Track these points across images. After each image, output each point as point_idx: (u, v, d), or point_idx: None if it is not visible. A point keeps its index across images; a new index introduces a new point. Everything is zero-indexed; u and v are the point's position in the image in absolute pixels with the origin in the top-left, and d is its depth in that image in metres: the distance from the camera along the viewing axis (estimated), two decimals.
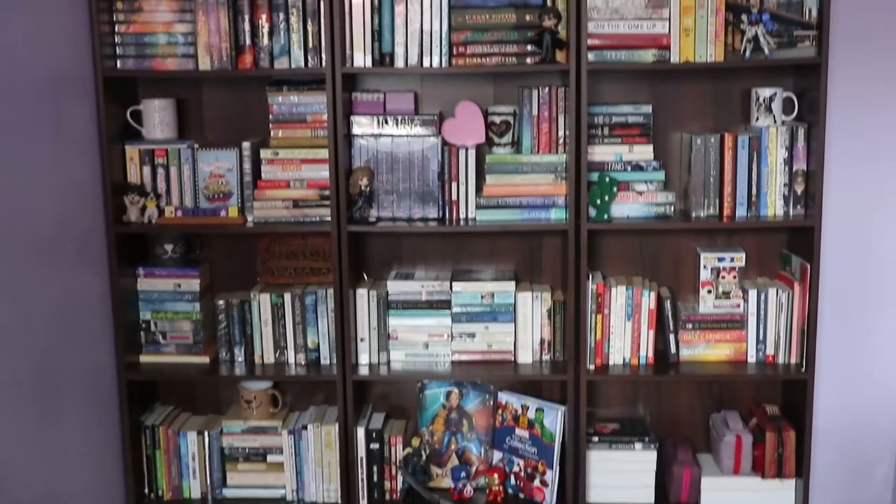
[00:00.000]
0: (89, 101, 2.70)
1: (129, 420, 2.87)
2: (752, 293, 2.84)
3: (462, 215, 2.85)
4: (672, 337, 2.88)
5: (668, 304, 2.87)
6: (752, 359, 2.87)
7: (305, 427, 2.94)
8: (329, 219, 2.78)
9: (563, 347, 2.90)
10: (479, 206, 2.83)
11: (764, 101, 2.77)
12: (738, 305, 2.86)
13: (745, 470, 2.89)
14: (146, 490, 2.98)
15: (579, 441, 2.85)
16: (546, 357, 2.93)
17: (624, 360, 2.87)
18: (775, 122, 2.77)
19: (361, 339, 2.89)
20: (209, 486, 2.99)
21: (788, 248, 2.93)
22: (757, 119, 2.79)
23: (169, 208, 2.84)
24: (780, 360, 2.85)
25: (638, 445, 2.91)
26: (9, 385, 2.25)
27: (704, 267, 2.86)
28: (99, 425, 2.76)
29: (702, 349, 2.88)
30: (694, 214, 2.80)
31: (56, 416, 2.48)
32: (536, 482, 2.93)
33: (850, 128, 2.89)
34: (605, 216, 2.77)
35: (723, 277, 2.86)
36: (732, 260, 2.85)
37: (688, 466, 2.91)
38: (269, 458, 2.98)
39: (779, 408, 2.97)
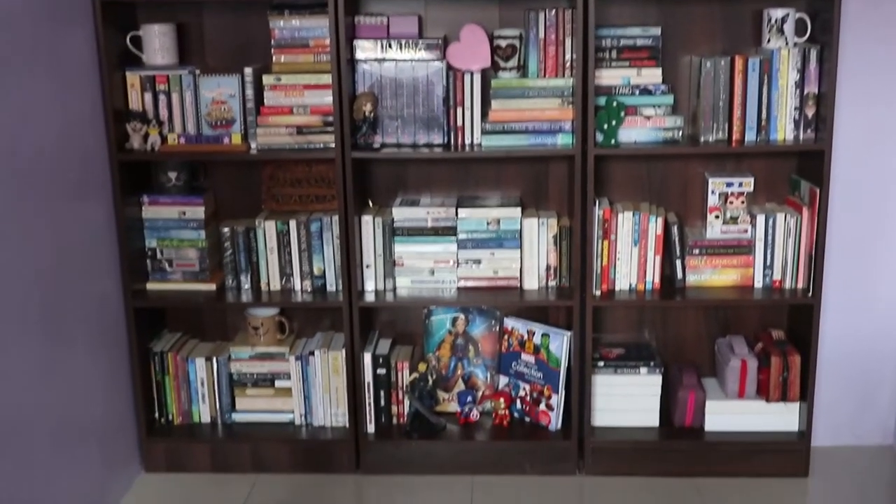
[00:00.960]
0: (88, 27, 2.66)
1: (138, 347, 2.90)
2: (760, 218, 2.82)
3: (467, 141, 2.82)
4: (679, 263, 2.87)
5: (674, 230, 2.85)
6: (758, 284, 2.86)
7: (312, 353, 2.96)
8: (333, 145, 2.75)
9: (569, 273, 2.90)
10: (484, 132, 2.79)
11: (776, 21, 2.70)
12: (746, 231, 2.84)
13: (750, 394, 2.91)
14: (157, 415, 3.02)
15: (585, 366, 2.86)
16: (552, 283, 2.93)
17: (630, 285, 2.86)
18: (787, 43, 2.71)
19: (367, 266, 2.89)
20: (218, 411, 3.03)
21: (798, 173, 2.90)
22: (768, 41, 2.73)
23: (171, 136, 2.82)
24: (787, 285, 2.84)
25: (643, 370, 2.93)
26: (16, 316, 2.27)
27: (712, 192, 2.83)
28: (108, 353, 2.78)
29: (708, 275, 2.87)
30: (702, 139, 2.76)
31: (65, 345, 2.50)
32: (542, 406, 2.96)
33: (863, 50, 2.83)
34: (613, 141, 2.74)
35: (731, 203, 2.83)
36: (741, 185, 2.82)
37: (692, 390, 2.93)
38: (277, 383, 3.02)
39: (784, 333, 2.98)
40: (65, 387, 2.50)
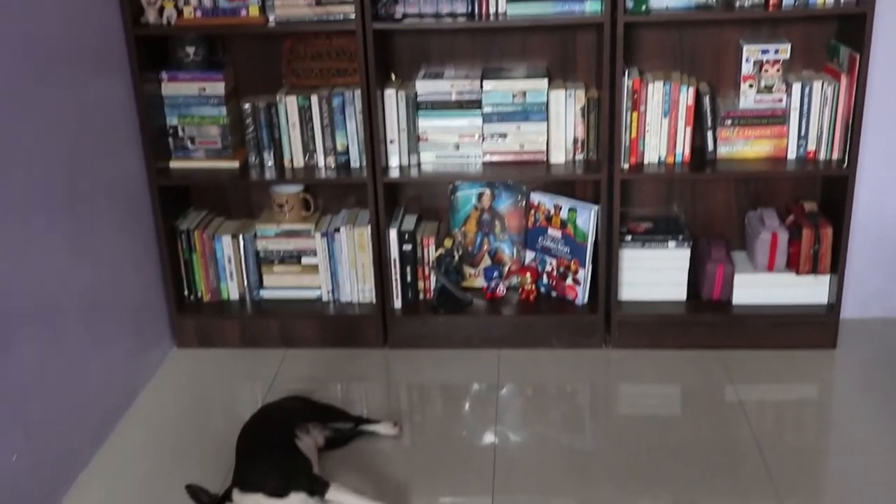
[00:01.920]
0: None
1: (164, 225, 2.90)
2: (796, 87, 2.72)
3: (492, 10, 2.72)
4: (710, 134, 2.80)
5: (706, 100, 2.77)
6: (791, 155, 2.79)
7: (338, 229, 2.96)
8: (353, 16, 2.66)
9: (596, 146, 2.84)
10: (509, 0, 2.69)
11: None
12: (781, 100, 2.75)
13: (780, 267, 2.88)
14: (186, 292, 3.05)
15: (612, 240, 2.84)
16: (579, 156, 2.87)
17: (659, 158, 2.80)
18: None
19: (391, 141, 2.85)
20: (247, 288, 3.05)
21: (837, 39, 2.78)
22: None
23: (188, 9, 2.74)
24: (822, 155, 2.77)
25: (671, 244, 2.90)
26: (42, 196, 2.26)
27: (747, 60, 2.73)
28: (134, 232, 2.79)
29: (740, 146, 2.80)
30: (737, 4, 2.64)
31: (91, 225, 2.50)
32: (569, 281, 2.95)
33: None
34: (643, 7, 2.63)
35: (766, 71, 2.73)
36: (777, 52, 2.72)
37: (721, 263, 2.90)
38: (304, 260, 3.02)
39: (817, 205, 2.92)
40: (93, 266, 2.51)
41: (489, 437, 2.53)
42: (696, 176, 2.87)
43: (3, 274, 2.08)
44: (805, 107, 2.73)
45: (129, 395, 2.70)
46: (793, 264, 2.87)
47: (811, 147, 2.77)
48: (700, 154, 2.82)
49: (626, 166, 2.78)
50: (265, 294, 3.06)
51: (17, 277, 2.14)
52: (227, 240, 3.00)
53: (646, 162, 2.81)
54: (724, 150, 2.80)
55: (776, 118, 2.77)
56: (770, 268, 2.88)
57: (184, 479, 2.10)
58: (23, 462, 2.12)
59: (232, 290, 3.06)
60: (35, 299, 2.21)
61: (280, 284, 3.05)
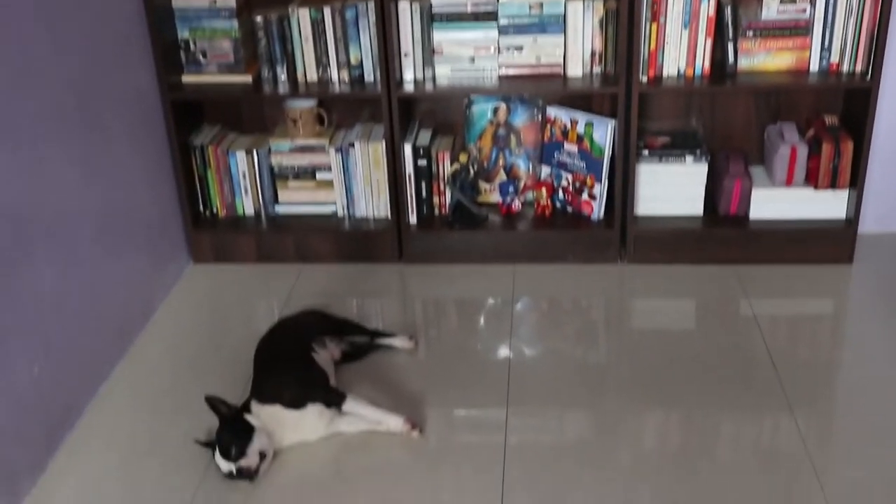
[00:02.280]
0: None
1: (178, 141, 2.88)
2: None
3: None
4: (731, 46, 2.74)
5: (728, 11, 2.70)
6: (814, 67, 2.73)
7: (352, 144, 2.93)
8: None
9: (614, 59, 2.79)
10: None
11: None
12: (805, 10, 2.68)
13: (798, 181, 2.85)
14: (201, 208, 3.05)
15: (629, 154, 2.81)
16: (597, 69, 2.82)
17: (679, 70, 2.75)
18: None
19: (405, 55, 2.80)
20: (262, 204, 3.05)
21: None
22: None
23: None
24: (845, 68, 2.71)
25: (689, 158, 2.87)
26: (53, 115, 2.24)
27: None
28: (148, 148, 2.78)
29: (762, 58, 2.74)
30: None
31: (104, 141, 2.49)
32: (584, 196, 2.93)
33: None
34: None
35: None
36: None
37: (739, 178, 2.87)
38: (318, 175, 3.01)
39: (838, 118, 2.87)
40: (108, 183, 2.51)
41: (504, 351, 2.55)
42: (715, 89, 2.82)
43: (19, 190, 2.08)
44: (829, 17, 2.66)
45: (146, 311, 2.73)
46: (811, 179, 2.84)
47: (834, 59, 2.71)
48: (720, 66, 2.77)
49: (645, 79, 2.74)
50: (280, 210, 3.06)
51: (32, 193, 2.14)
52: (241, 155, 2.98)
53: (664, 75, 2.76)
54: (744, 63, 2.75)
55: (799, 29, 2.70)
56: (788, 182, 2.85)
57: (203, 391, 2.13)
58: (44, 375, 2.15)
59: (247, 206, 3.06)
60: (51, 216, 2.22)
61: (295, 200, 3.05)
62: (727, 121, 2.99)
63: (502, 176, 3.03)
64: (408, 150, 2.89)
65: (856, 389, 2.36)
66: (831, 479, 2.03)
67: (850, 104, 2.84)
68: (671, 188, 2.90)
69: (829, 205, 2.85)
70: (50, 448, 2.18)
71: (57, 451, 2.20)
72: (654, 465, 2.10)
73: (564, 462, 2.12)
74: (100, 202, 2.47)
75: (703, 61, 2.74)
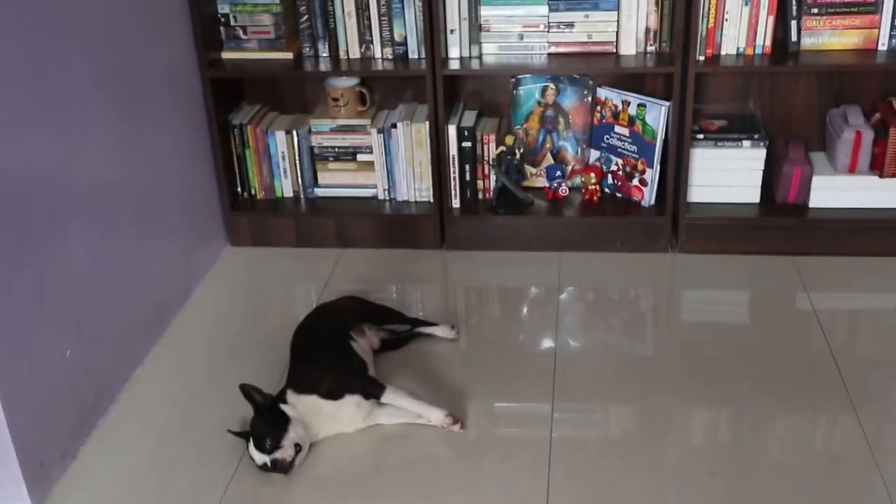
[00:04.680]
0: None
1: (217, 119, 2.81)
2: None
3: None
4: (794, 24, 2.60)
5: None
6: (882, 46, 2.60)
7: (395, 125, 2.84)
8: None
9: (670, 37, 2.67)
10: None
11: None
12: None
13: (862, 168, 2.71)
14: (240, 189, 2.99)
15: (683, 138, 2.68)
16: (651, 48, 2.70)
17: (738, 49, 2.62)
18: None
19: (451, 31, 2.70)
20: (301, 186, 2.97)
21: None
22: None
23: None
24: None
25: (746, 143, 2.74)
26: (91, 89, 2.17)
27: None
28: (187, 126, 2.71)
29: (826, 37, 2.60)
30: None
31: (142, 118, 2.42)
32: (635, 181, 2.82)
33: None
34: None
35: None
36: None
37: (799, 165, 2.74)
38: (360, 157, 2.92)
39: None
40: (146, 161, 2.44)
41: (549, 343, 2.45)
42: (776, 69, 2.69)
43: (53, 161, 2.02)
44: None
45: (182, 294, 2.67)
46: (877, 166, 2.69)
47: None
48: (782, 46, 2.64)
49: (702, 59, 2.61)
50: (319, 192, 2.98)
51: (67, 166, 2.08)
52: (280, 135, 2.91)
53: (723, 53, 2.63)
54: (808, 41, 2.61)
55: (867, 6, 2.56)
56: (852, 169, 2.71)
57: (238, 378, 2.06)
58: (77, 358, 2.10)
59: (286, 188, 2.98)
60: (86, 191, 2.16)
61: (335, 182, 2.97)
62: (787, 104, 2.85)
63: (549, 159, 2.92)
64: (452, 131, 2.79)
65: None
66: None
67: None
68: (727, 174, 2.78)
69: (894, 194, 2.71)
70: (81, 434, 2.13)
71: (89, 437, 2.15)
72: (707, 466, 1.99)
73: (612, 459, 2.02)
74: (136, 179, 2.40)
75: (764, 40, 2.61)
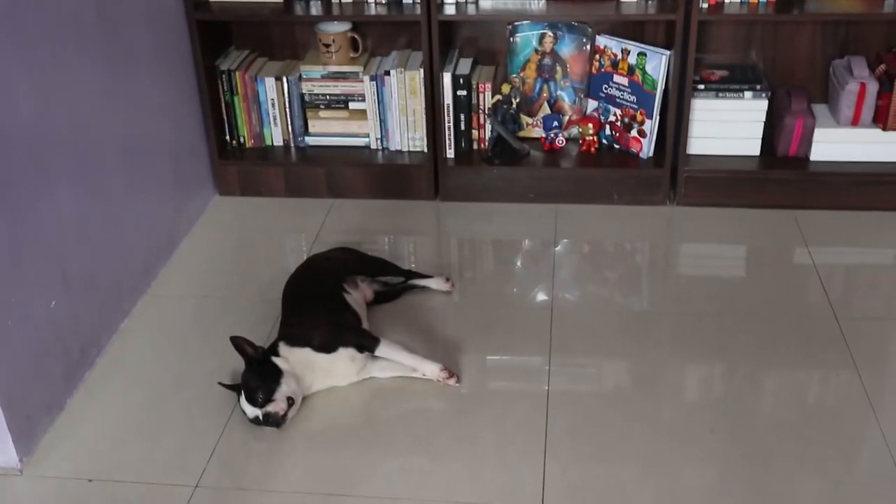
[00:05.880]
0: None
1: (204, 64, 2.72)
2: None
3: None
4: None
5: None
6: None
7: (388, 73, 2.76)
8: None
9: None
10: None
11: None
12: None
13: (865, 121, 2.66)
14: (228, 137, 2.91)
15: (685, 88, 2.62)
16: None
17: None
18: None
19: None
20: (291, 134, 2.90)
21: None
22: None
23: None
24: None
25: (748, 94, 2.68)
26: (71, 33, 2.08)
27: None
28: (172, 71, 2.62)
29: None
30: None
31: (126, 63, 2.33)
32: (633, 132, 2.76)
33: None
34: None
35: None
36: None
37: (801, 117, 2.68)
38: (352, 105, 2.85)
39: None
40: (130, 107, 2.36)
41: (544, 296, 2.40)
42: (781, 17, 2.62)
43: (36, 108, 1.94)
44: None
45: (170, 244, 2.60)
46: (880, 119, 2.64)
47: None
48: None
49: (706, 5, 2.54)
50: (310, 141, 2.91)
51: (50, 113, 2.00)
52: (270, 82, 2.82)
53: (727, 1, 2.56)
54: None
55: None
56: (854, 122, 2.66)
57: (228, 331, 2.01)
58: (62, 309, 2.04)
59: (276, 136, 2.91)
60: (71, 138, 2.08)
61: (326, 131, 2.89)
62: (790, 54, 2.79)
63: (546, 109, 2.85)
64: (447, 79, 2.71)
65: None
66: None
67: None
68: (727, 126, 2.72)
69: None
70: (68, 386, 2.08)
71: (75, 389, 2.10)
72: (706, 420, 1.96)
73: (611, 414, 1.99)
74: (122, 127, 2.32)
75: None
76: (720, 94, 2.69)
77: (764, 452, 1.88)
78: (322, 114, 2.87)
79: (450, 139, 2.79)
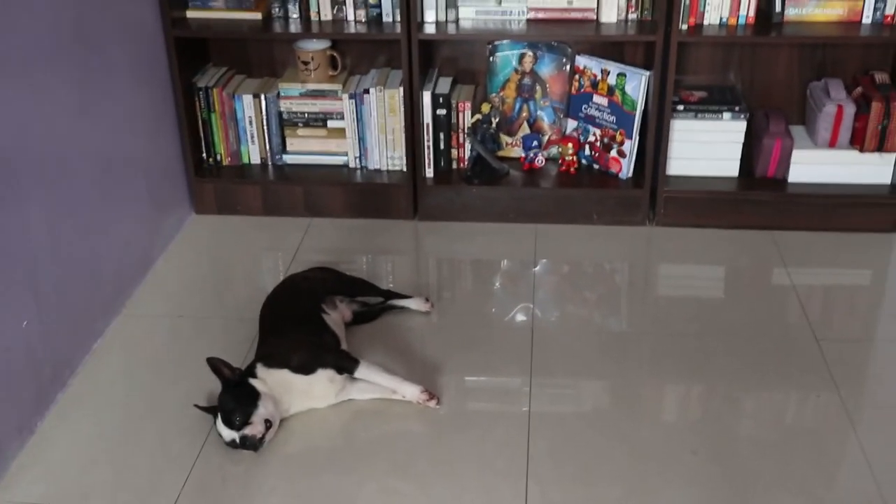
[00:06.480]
0: None
1: (181, 81, 2.70)
2: None
3: None
4: None
5: None
6: (867, 19, 2.56)
7: (367, 91, 2.75)
8: None
9: (652, 5, 2.61)
10: None
11: None
12: None
13: (843, 143, 2.68)
14: (205, 155, 2.88)
15: (664, 109, 2.63)
16: (633, 16, 2.64)
17: (721, 19, 2.57)
18: None
19: None
20: (269, 152, 2.88)
21: None
22: None
23: None
24: None
25: (726, 115, 2.69)
26: (46, 48, 2.05)
27: None
28: (149, 87, 2.59)
29: (811, 8, 2.56)
30: None
31: (102, 79, 2.30)
32: (613, 153, 2.76)
33: None
34: None
35: None
36: None
37: (779, 138, 2.69)
38: (330, 123, 2.83)
39: (889, 76, 2.68)
40: (105, 123, 2.33)
41: (524, 316, 2.39)
42: (760, 39, 2.64)
43: (8, 123, 1.90)
44: None
45: (144, 263, 2.57)
46: (857, 140, 2.66)
47: (889, 10, 2.53)
48: (766, 16, 2.58)
49: (685, 27, 2.55)
50: (288, 159, 2.89)
51: (23, 128, 1.96)
52: (248, 99, 2.80)
53: (706, 23, 2.57)
54: (792, 13, 2.57)
55: None
56: (832, 144, 2.68)
57: (203, 352, 1.98)
58: (35, 329, 2.00)
59: (253, 154, 2.88)
60: (44, 154, 2.04)
61: (304, 149, 2.87)
62: (768, 76, 2.80)
63: (526, 129, 2.85)
64: (426, 98, 2.70)
65: None
66: (879, 458, 1.88)
67: None
68: (706, 147, 2.73)
69: (874, 169, 2.68)
70: (39, 408, 2.03)
71: (47, 411, 2.05)
72: (687, 441, 1.95)
73: (592, 436, 1.97)
74: (97, 143, 2.29)
75: (748, 10, 2.56)
76: (699, 115, 2.70)
77: (745, 473, 1.87)
78: (300, 132, 2.85)
79: (429, 158, 2.78)
